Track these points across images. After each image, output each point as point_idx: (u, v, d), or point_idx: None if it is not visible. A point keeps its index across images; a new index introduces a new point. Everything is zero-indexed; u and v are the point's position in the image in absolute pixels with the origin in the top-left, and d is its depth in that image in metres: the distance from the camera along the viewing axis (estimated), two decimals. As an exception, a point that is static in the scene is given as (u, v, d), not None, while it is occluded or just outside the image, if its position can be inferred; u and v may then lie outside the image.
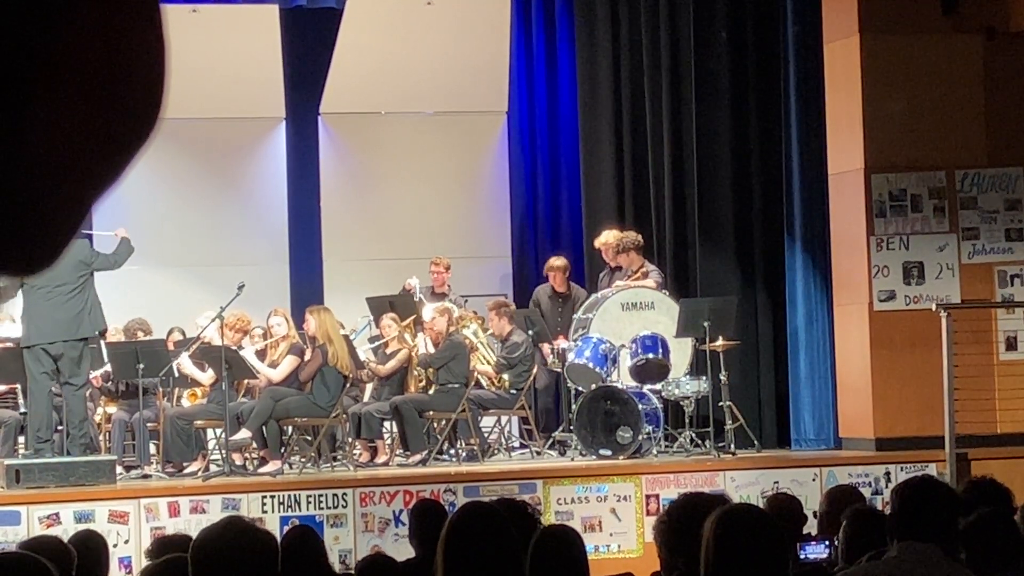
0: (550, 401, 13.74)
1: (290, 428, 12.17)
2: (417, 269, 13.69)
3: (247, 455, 12.11)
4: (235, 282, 11.84)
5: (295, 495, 10.76)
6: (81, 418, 11.19)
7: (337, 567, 9.72)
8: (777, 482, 11.30)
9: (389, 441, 12.70)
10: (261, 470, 11.73)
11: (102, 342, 12.01)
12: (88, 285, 11.26)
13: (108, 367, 12.21)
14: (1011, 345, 12.30)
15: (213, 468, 11.87)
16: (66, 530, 9.29)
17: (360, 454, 12.56)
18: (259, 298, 12.90)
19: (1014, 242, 12.41)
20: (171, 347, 12.32)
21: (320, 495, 10.77)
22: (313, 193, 14.97)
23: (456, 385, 12.36)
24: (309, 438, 12.47)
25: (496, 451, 12.90)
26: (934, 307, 11.69)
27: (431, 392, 12.51)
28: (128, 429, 12.21)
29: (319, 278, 14.80)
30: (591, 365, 12.19)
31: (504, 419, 13.11)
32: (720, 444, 12.15)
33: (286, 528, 8.47)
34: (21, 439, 11.85)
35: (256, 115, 14.74)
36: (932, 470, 11.08)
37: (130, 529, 10.42)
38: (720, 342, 12.25)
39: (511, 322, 12.83)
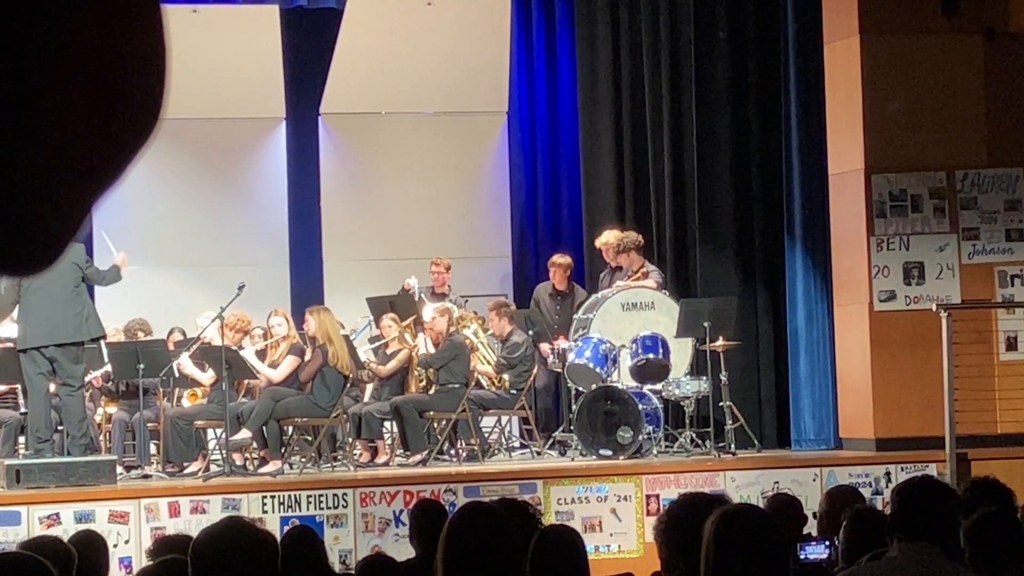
0: (550, 401, 13.74)
1: (290, 428, 12.17)
2: (417, 269, 13.69)
3: (247, 455, 12.11)
4: (235, 282, 11.84)
5: (295, 495, 10.76)
6: (80, 418, 11.17)
7: (337, 567, 9.72)
8: (777, 482, 11.30)
9: (389, 441, 12.70)
10: (261, 470, 11.73)
11: (102, 342, 12.00)
12: (84, 289, 11.24)
13: (108, 367, 12.21)
14: (1011, 345, 12.30)
15: (213, 468, 11.87)
16: (66, 530, 9.28)
17: (360, 454, 12.56)
18: (259, 298, 12.90)
19: (1014, 242, 12.40)
20: (171, 347, 12.32)
21: (320, 495, 10.77)
22: (313, 193, 14.97)
23: (456, 385, 12.36)
24: (309, 438, 12.47)
25: (496, 451, 12.91)
26: (934, 307, 11.69)
27: (431, 392, 12.51)
28: (128, 429, 12.21)
29: (319, 278, 14.80)
30: (591, 365, 12.20)
31: (504, 419, 13.12)
32: (720, 444, 12.15)
33: (286, 528, 8.46)
34: (21, 439, 11.85)
35: (256, 115, 14.74)
36: (932, 470, 11.08)
37: (130, 529, 10.42)
38: (720, 342, 12.25)
39: (511, 322, 12.83)
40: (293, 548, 5.53)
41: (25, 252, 1.24)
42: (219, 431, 12.15)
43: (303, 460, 12.12)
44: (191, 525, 9.69)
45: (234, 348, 12.03)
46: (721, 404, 12.21)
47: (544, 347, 13.15)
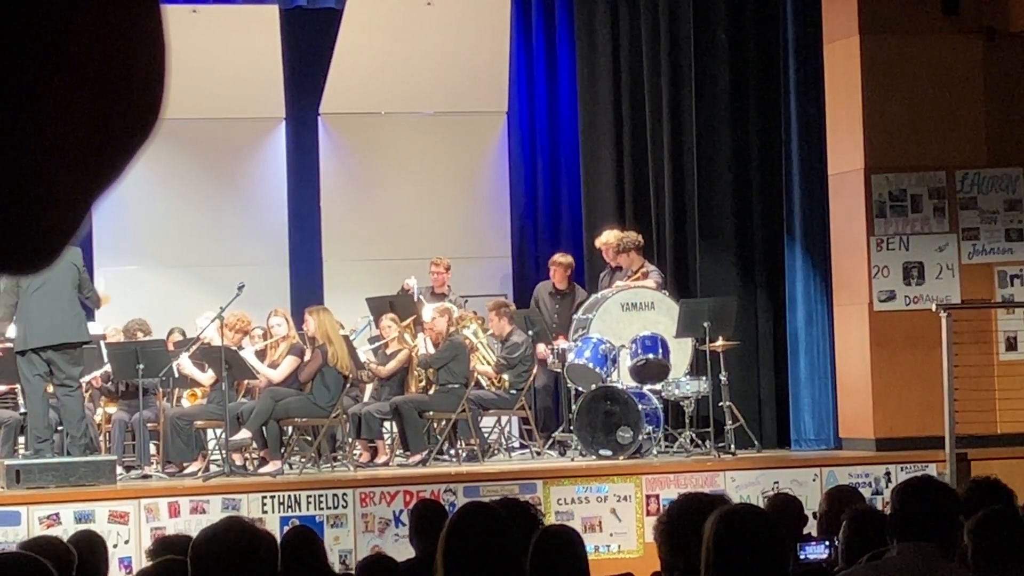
0: (550, 401, 13.74)
1: (290, 428, 12.17)
2: (417, 269, 13.68)
3: (247, 455, 12.11)
4: (235, 282, 11.83)
5: (295, 495, 10.76)
6: (79, 418, 11.16)
7: (337, 567, 9.72)
8: (777, 482, 11.30)
9: (389, 441, 12.70)
10: (261, 470, 11.73)
11: (102, 342, 11.99)
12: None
13: (108, 367, 12.20)
14: (1011, 345, 12.30)
15: (213, 468, 11.86)
16: (66, 530, 9.28)
17: (360, 454, 12.56)
18: (259, 298, 12.90)
19: (1014, 242, 12.41)
20: (171, 347, 12.31)
21: (320, 495, 10.77)
22: (313, 193, 14.97)
23: (456, 385, 12.36)
24: (309, 438, 12.47)
25: (496, 451, 12.90)
26: (934, 307, 11.68)
27: (431, 392, 12.51)
28: (128, 429, 12.21)
29: (319, 278, 14.79)
30: (591, 365, 12.20)
31: (504, 419, 13.12)
32: (720, 444, 12.15)
33: (286, 528, 8.46)
34: (21, 439, 11.84)
35: (256, 115, 14.74)
36: (932, 470, 11.08)
37: (130, 529, 10.42)
38: (720, 342, 12.25)
39: (511, 322, 12.83)
40: (293, 548, 5.53)
41: (25, 251, 1.24)
42: (219, 431, 12.15)
43: (303, 460, 12.12)
44: (191, 525, 9.69)
45: (234, 348, 12.03)
46: (721, 404, 12.21)
47: (540, 349, 13.08)
